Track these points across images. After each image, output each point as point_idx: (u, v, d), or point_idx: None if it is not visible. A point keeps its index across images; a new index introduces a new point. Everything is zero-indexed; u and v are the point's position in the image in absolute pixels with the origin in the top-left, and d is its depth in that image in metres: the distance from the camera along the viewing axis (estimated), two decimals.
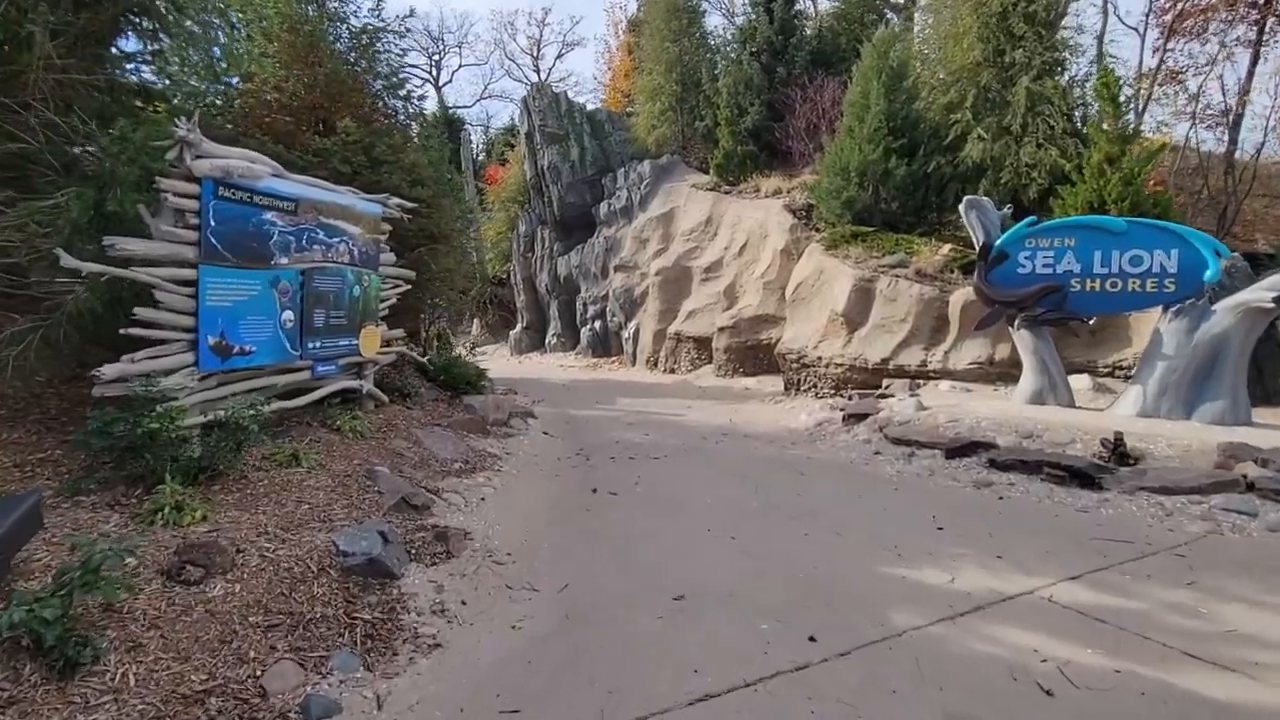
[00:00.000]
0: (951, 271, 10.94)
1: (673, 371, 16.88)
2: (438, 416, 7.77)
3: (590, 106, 23.08)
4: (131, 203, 4.44)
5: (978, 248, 9.08)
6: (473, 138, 38.20)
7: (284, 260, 5.68)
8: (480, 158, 35.38)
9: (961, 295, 10.26)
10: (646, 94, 20.84)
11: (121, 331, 4.57)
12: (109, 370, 4.41)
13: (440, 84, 42.16)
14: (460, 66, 46.62)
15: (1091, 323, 9.27)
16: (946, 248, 11.50)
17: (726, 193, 18.12)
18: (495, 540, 4.96)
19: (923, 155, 13.34)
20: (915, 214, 13.68)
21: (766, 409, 11.55)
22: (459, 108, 39.60)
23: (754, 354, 15.03)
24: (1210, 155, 15.44)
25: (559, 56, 68.27)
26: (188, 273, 4.84)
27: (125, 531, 4.00)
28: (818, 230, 14.73)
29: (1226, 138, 15.19)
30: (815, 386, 11.84)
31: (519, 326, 22.81)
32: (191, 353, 4.95)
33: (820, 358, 11.62)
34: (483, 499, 5.76)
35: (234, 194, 5.11)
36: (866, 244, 12.33)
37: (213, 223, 4.94)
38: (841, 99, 15.32)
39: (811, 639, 3.52)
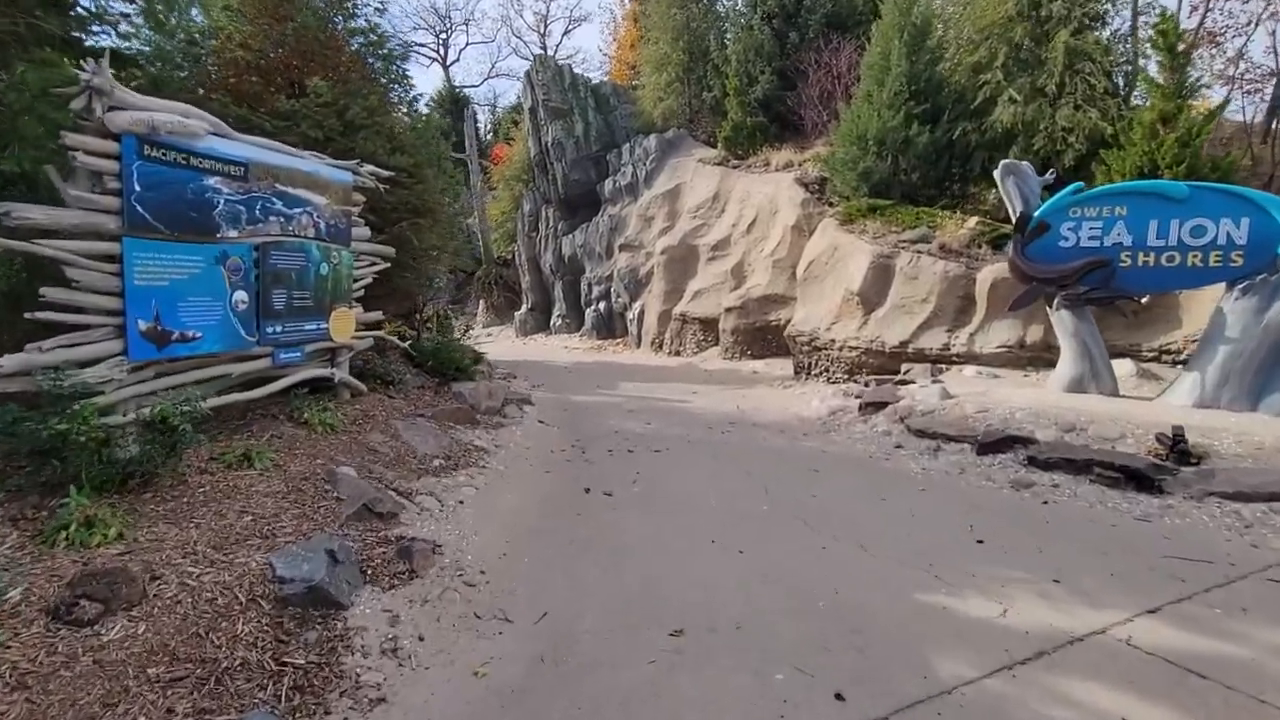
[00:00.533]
0: (979, 246, 10.07)
1: (678, 354, 16.13)
2: (423, 406, 7.09)
3: (595, 80, 22.07)
4: (33, 161, 3.71)
5: (1014, 218, 8.21)
6: (479, 117, 37.23)
7: (233, 233, 4.95)
8: (488, 137, 34.45)
9: (990, 272, 9.41)
10: (653, 64, 19.82)
11: (28, 315, 3.88)
12: (8, 362, 3.72)
13: (448, 62, 41.06)
14: (467, 44, 45.42)
15: (1144, 301, 8.40)
16: (973, 221, 10.61)
17: (735, 167, 17.20)
18: (469, 554, 4.28)
19: (946, 121, 12.38)
20: (937, 186, 12.75)
21: (776, 395, 10.81)
22: (467, 87, 38.58)
23: (762, 336, 14.24)
24: (1250, 124, 14.34)
25: (566, 33, 66.70)
26: (109, 246, 4.13)
27: (19, 555, 3.35)
28: (831, 204, 13.83)
29: (1267, 103, 14.09)
30: (828, 371, 11.06)
31: (524, 308, 22.09)
32: (119, 340, 4.26)
33: (833, 340, 10.83)
34: (461, 502, 5.08)
35: (165, 155, 4.36)
36: (885, 218, 11.45)
37: (138, 188, 4.21)
38: (859, 63, 14.30)
39: (839, 697, 2.82)
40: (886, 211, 11.68)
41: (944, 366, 9.42)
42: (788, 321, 13.19)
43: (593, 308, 19.52)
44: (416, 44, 40.52)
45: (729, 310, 14.48)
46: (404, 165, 6.75)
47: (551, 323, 21.23)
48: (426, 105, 35.14)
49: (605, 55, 28.47)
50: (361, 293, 6.39)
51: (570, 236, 20.47)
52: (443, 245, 7.58)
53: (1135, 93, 11.64)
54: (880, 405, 8.22)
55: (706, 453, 7.10)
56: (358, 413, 6.09)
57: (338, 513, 4.26)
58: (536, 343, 20.49)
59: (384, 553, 3.99)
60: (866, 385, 9.52)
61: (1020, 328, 9.19)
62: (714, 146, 18.57)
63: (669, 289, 16.84)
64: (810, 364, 11.39)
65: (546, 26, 39.97)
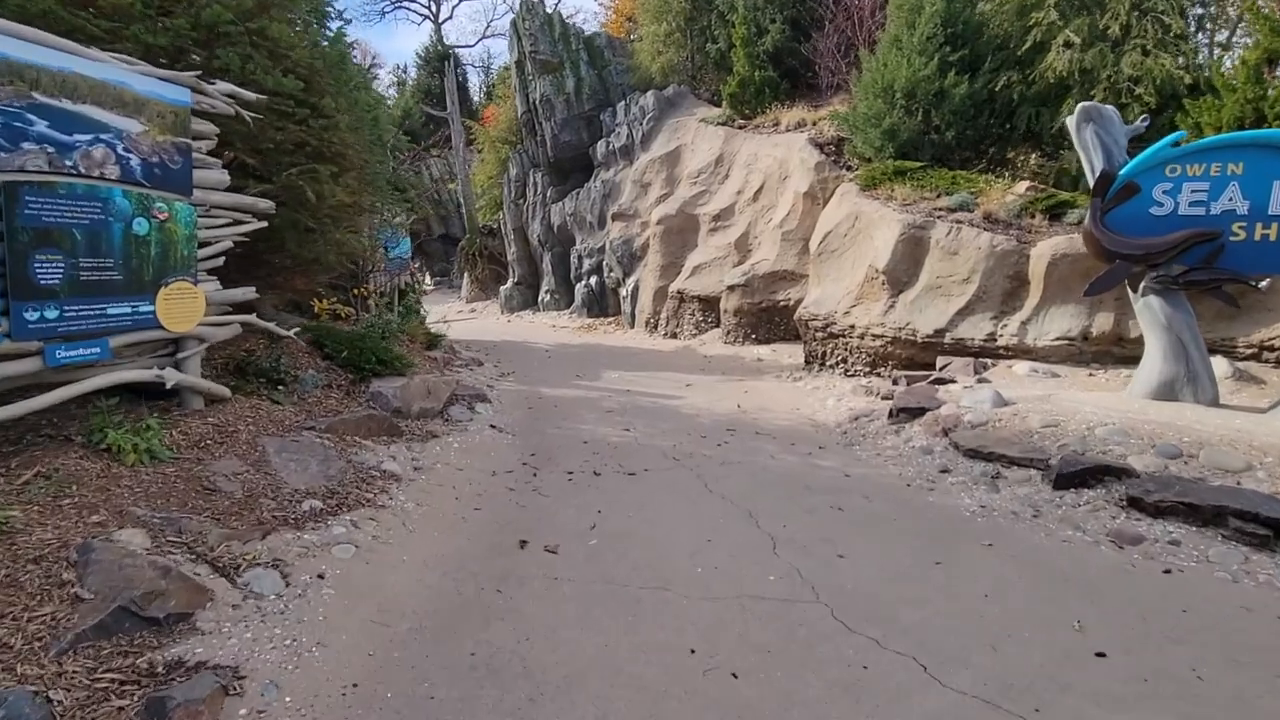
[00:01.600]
0: (1031, 215, 8.19)
1: (674, 336, 14.34)
2: (322, 413, 5.35)
3: (588, 31, 19.87)
4: None
5: (1091, 176, 6.33)
6: (471, 79, 34.91)
7: None
8: (480, 99, 32.25)
9: (1048, 247, 7.56)
10: (651, 13, 17.62)
11: None
12: None
13: (440, 20, 38.51)
14: (460, 1, 42.69)
15: (1262, 286, 6.56)
16: (1023, 185, 8.70)
17: (741, 127, 15.18)
18: (289, 696, 2.58)
19: (988, 71, 10.38)
20: (974, 147, 10.82)
21: (785, 389, 9.05)
22: (460, 46, 36.04)
23: (769, 317, 12.43)
24: None
25: None
26: None
27: None
28: (850, 168, 11.88)
29: None
30: (845, 362, 9.28)
31: (509, 282, 20.25)
32: None
33: (853, 326, 9.02)
34: (322, 575, 3.37)
35: None
36: (916, 182, 9.54)
37: None
38: (885, 5, 12.23)
39: None
40: (917, 175, 9.76)
41: (990, 362, 7.63)
42: (798, 302, 11.38)
43: (583, 283, 17.68)
44: (408, 1, 38.04)
45: (732, 288, 12.65)
46: (293, 91, 4.91)
47: (539, 298, 19.42)
48: (413, 64, 32.87)
49: (601, 5, 25.95)
50: (220, 261, 4.61)
51: (560, 204, 18.53)
52: (360, 202, 5.77)
53: (1220, 36, 9.62)
54: (916, 411, 6.46)
55: (695, 480, 5.37)
56: (209, 429, 4.36)
57: (69, 624, 2.56)
58: (522, 320, 18.71)
59: (122, 711, 2.29)
60: (896, 383, 7.75)
61: (1084, 315, 7.37)
62: (718, 105, 16.52)
63: (666, 263, 14.98)
64: (825, 353, 9.60)
65: None
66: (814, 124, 13.40)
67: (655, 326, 14.96)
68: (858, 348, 9.05)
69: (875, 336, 8.70)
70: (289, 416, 5.03)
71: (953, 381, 7.15)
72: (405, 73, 33.69)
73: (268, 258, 5.68)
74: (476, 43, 46.84)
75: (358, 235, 6.18)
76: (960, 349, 7.95)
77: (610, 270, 16.81)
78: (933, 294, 8.29)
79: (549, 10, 18.72)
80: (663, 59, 17.39)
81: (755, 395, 8.65)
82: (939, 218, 8.51)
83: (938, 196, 9.07)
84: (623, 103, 17.67)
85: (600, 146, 17.74)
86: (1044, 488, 5.01)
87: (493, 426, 6.71)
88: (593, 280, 17.48)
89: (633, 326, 15.89)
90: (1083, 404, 6.01)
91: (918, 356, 8.36)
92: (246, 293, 4.84)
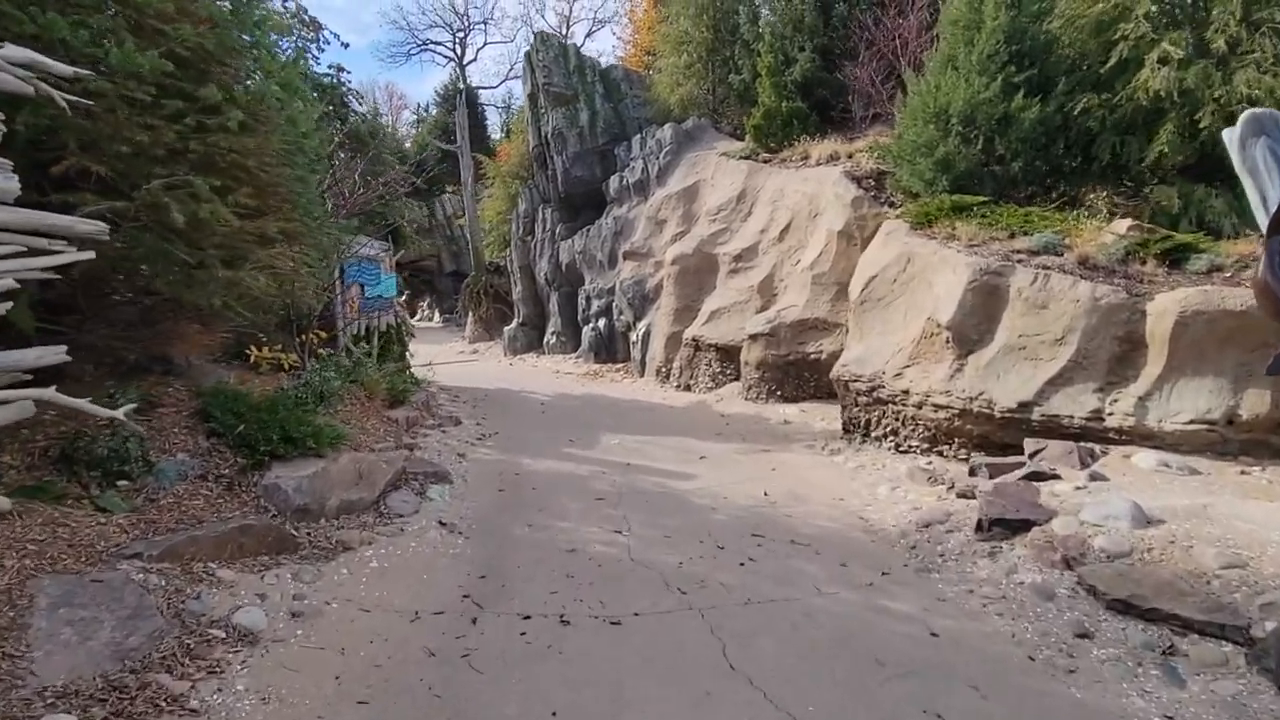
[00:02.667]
0: (1141, 261, 6.42)
1: (688, 388, 12.59)
2: (170, 525, 3.67)
3: (605, 64, 18.80)
4: None
5: (1266, 211, 4.57)
6: (490, 117, 34.41)
7: None
8: (499, 137, 31.63)
9: (1173, 302, 5.76)
10: (671, 44, 16.45)
11: None
12: None
13: (464, 62, 38.41)
14: (485, 44, 42.75)
15: None
16: (1124, 223, 6.98)
17: (766, 161, 13.71)
18: None
19: (1061, 93, 8.76)
20: (1040, 181, 9.13)
21: (821, 467, 7.23)
22: (483, 88, 35.74)
23: (796, 372, 10.66)
24: None
25: (589, 35, 63.65)
26: None
27: None
28: (893, 204, 10.26)
29: None
30: (896, 434, 7.46)
31: (514, 322, 18.75)
32: None
33: (907, 391, 7.23)
34: None
35: None
36: (981, 220, 7.86)
37: None
38: (933, 25, 10.78)
39: None
40: (982, 212, 8.08)
41: (1096, 448, 5.77)
42: (832, 356, 9.64)
43: (591, 325, 16.10)
44: (433, 42, 38.01)
45: (754, 338, 10.93)
46: (153, 72, 3.39)
47: (545, 340, 17.85)
48: (433, 102, 32.38)
49: (619, 40, 24.96)
50: (4, 309, 3.01)
51: (569, 241, 17.12)
52: (268, 229, 4.20)
53: None
54: (1018, 525, 4.61)
55: (708, 637, 3.57)
56: None
57: None
58: (525, 364, 17.12)
59: None
60: (974, 472, 5.91)
61: (1228, 392, 5.52)
62: (740, 139, 15.13)
63: (681, 306, 13.34)
64: (869, 421, 7.79)
65: (570, 29, 36.92)
66: (849, 157, 11.85)
67: (667, 376, 13.25)
68: (913, 418, 7.23)
69: (937, 406, 6.89)
70: (109, 535, 3.36)
71: (1056, 477, 5.30)
72: (427, 111, 33.27)
73: (134, 302, 4.11)
74: (500, 84, 46.80)
75: (283, 273, 4.61)
76: (1054, 429, 6.11)
77: (620, 313, 15.22)
78: (1013, 356, 6.50)
79: (564, 43, 17.65)
80: (682, 91, 16.13)
81: (785, 475, 6.85)
82: (1018, 262, 6.78)
83: (1011, 236, 7.36)
84: (638, 136, 16.38)
85: (613, 181, 16.40)
86: (1259, 681, 3.14)
87: (442, 524, 4.98)
88: (601, 323, 15.90)
89: (642, 375, 14.19)
90: (1268, 527, 4.14)
91: (994, 434, 6.52)
92: (42, 355, 3.23)
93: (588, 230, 16.64)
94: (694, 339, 12.56)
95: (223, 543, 3.55)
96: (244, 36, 4.20)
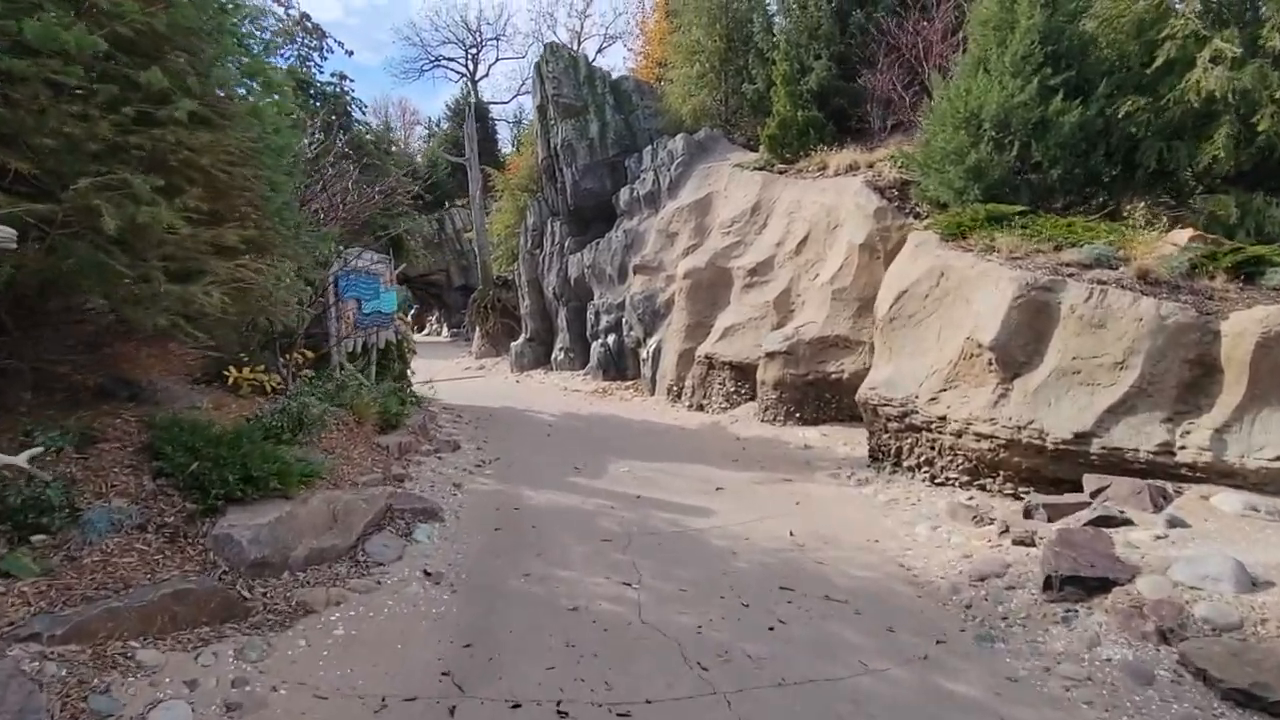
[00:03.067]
0: (1209, 276, 5.73)
1: (701, 408, 11.92)
2: (90, 590, 3.05)
3: (615, 75, 18.36)
4: None
5: None
6: (502, 132, 34.22)
7: None
8: (509, 150, 31.37)
9: (1254, 321, 5.07)
10: (684, 54, 15.99)
11: None
12: None
13: (476, 78, 38.34)
14: (497, 59, 42.72)
15: None
16: (1185, 233, 6.29)
17: (781, 172, 13.12)
18: None
19: (1101, 96, 8.11)
20: (1079, 189, 8.46)
21: (850, 500, 6.54)
22: (495, 103, 35.52)
23: (816, 392, 9.98)
24: None
25: (600, 50, 63.83)
26: None
27: None
28: (917, 215, 9.63)
29: None
30: (931, 464, 6.76)
31: (521, 338, 18.18)
32: None
33: (944, 418, 6.54)
34: None
35: None
36: (1023, 231, 7.20)
37: None
38: (957, 29, 10.20)
39: None
40: (1022, 222, 7.42)
41: (1168, 487, 5.05)
42: (855, 376, 8.98)
43: (600, 341, 15.49)
44: (446, 58, 37.98)
45: (771, 356, 10.28)
46: (100, 54, 2.82)
47: (553, 356, 17.26)
48: (443, 116, 32.12)
49: (630, 51, 24.41)
50: None
51: (579, 255, 16.57)
52: (228, 238, 3.62)
53: None
54: (1095, 585, 3.90)
55: None
56: None
57: None
58: (532, 381, 16.52)
59: None
60: (1031, 513, 5.21)
61: None
62: (754, 149, 14.58)
63: (693, 322, 12.71)
64: (900, 449, 7.10)
65: (580, 44, 36.72)
66: (869, 166, 11.23)
67: (679, 394, 12.59)
68: (951, 448, 6.53)
69: (980, 435, 6.19)
70: (6, 609, 2.74)
71: (1128, 522, 4.59)
72: (437, 126, 33.14)
73: (83, 321, 3.54)
74: (511, 99, 46.68)
75: (250, 287, 4.03)
76: (1116, 463, 5.39)
77: (630, 328, 14.61)
78: (1066, 381, 5.80)
79: (574, 54, 17.22)
80: (694, 101, 15.63)
81: (811, 510, 6.16)
82: (1069, 276, 6.10)
83: (1056, 249, 6.69)
84: (649, 147, 15.87)
85: (624, 194, 15.87)
86: None
87: (426, 573, 4.35)
88: (610, 339, 15.29)
89: (653, 393, 13.55)
90: None
91: (1045, 468, 5.81)
92: None
93: (597, 243, 16.10)
94: (707, 356, 11.92)
95: (150, 614, 2.94)
96: (209, 19, 3.65)
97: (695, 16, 15.69)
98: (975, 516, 5.52)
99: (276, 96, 4.37)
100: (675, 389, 12.71)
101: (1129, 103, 7.97)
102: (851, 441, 8.75)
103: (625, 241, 15.30)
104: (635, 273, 14.70)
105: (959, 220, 7.84)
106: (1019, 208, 7.78)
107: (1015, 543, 4.76)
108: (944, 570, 4.69)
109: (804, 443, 9.07)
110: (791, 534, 5.50)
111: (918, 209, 9.66)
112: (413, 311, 35.81)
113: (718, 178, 14.20)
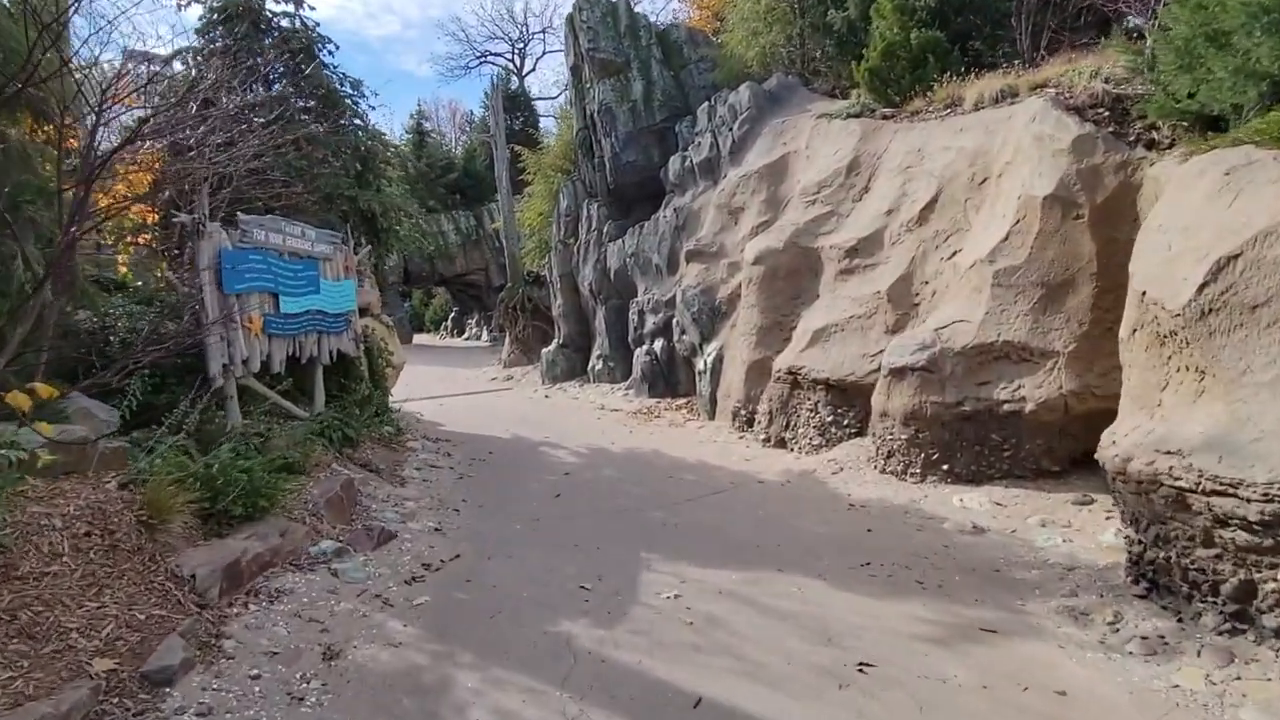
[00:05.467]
0: None
1: (781, 442, 8.26)
2: None
3: (662, 25, 14.86)
4: None
5: None
6: (549, 126, 31.30)
7: None
8: (549, 140, 28.43)
9: None
10: None
11: None
12: None
13: (523, 72, 35.72)
14: (544, 53, 40.15)
15: None
16: None
17: (887, 117, 9.37)
18: None
19: None
20: None
21: (1127, 699, 2.78)
22: (542, 99, 32.76)
23: (975, 431, 6.17)
24: None
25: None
26: None
27: None
28: (1152, 146, 5.70)
29: None
30: None
31: (553, 344, 14.92)
32: None
33: None
34: None
35: None
36: None
37: None
38: None
39: None
40: None
41: None
42: (1044, 407, 5.30)
43: (644, 347, 12.05)
44: (492, 54, 35.51)
45: (897, 373, 6.53)
46: None
47: (590, 365, 13.92)
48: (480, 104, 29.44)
49: (681, 3, 20.57)
50: None
51: (619, 242, 13.18)
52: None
53: None
54: None
55: None
56: None
57: None
58: (564, 396, 13.21)
59: None
60: None
61: None
62: (841, 97, 10.83)
63: (767, 323, 9.05)
64: (1241, 583, 3.28)
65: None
66: (1034, 89, 7.30)
67: (749, 422, 8.98)
68: None
69: None
70: None
71: None
72: (473, 116, 30.63)
73: None
74: (559, 95, 44.01)
75: None
76: None
77: (682, 331, 11.08)
78: None
79: (613, 0, 13.81)
80: (762, 41, 11.95)
81: None
82: None
83: None
84: (705, 105, 12.30)
85: (673, 164, 12.38)
86: None
87: None
88: (657, 344, 11.81)
89: (712, 417, 9.97)
90: None
91: None
92: None
93: (641, 227, 12.65)
94: (789, 370, 8.24)
95: None
96: None
97: None
98: None
99: None
100: (743, 414, 9.09)
101: None
102: (1058, 519, 5.01)
103: (675, 222, 11.79)
104: (688, 260, 11.17)
105: None
106: None
107: None
108: None
109: (969, 522, 5.31)
110: None
111: (1155, 132, 5.72)
112: (452, 315, 33.42)
113: (795, 134, 10.50)
